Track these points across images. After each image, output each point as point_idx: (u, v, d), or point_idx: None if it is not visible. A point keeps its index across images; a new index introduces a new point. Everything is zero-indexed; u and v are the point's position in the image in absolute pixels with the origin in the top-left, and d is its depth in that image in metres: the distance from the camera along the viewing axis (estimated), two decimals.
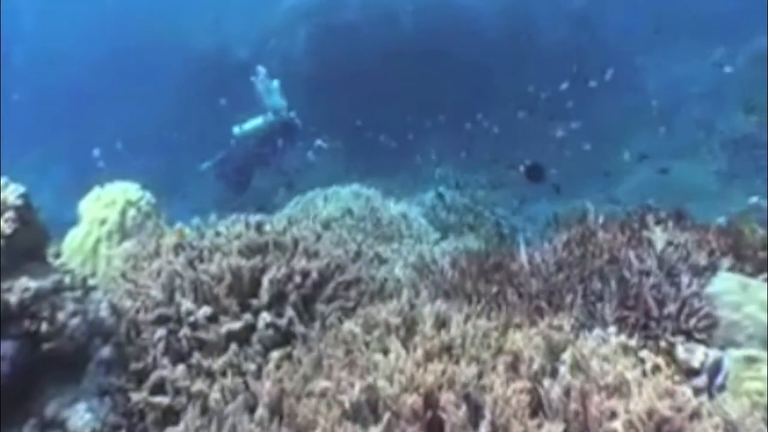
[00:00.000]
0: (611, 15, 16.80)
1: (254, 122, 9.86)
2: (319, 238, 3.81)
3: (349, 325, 2.60)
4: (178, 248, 3.39)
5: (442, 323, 2.52)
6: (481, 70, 15.30)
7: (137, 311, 2.96)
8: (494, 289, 2.93)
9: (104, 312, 2.78)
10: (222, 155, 10.16)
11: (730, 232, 3.21)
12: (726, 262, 2.97)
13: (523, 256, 3.12)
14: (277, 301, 3.06)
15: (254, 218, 3.72)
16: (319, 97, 14.36)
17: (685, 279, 2.76)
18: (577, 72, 12.48)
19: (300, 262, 3.24)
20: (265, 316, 2.95)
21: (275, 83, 10.59)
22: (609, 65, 16.07)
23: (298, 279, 3.13)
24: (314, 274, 3.21)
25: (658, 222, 3.35)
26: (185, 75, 17.22)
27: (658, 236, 2.91)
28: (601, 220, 3.15)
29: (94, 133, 14.29)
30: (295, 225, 3.95)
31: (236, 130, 9.87)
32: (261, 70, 10.85)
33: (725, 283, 2.77)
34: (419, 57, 14.89)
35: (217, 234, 3.66)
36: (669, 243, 2.90)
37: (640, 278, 2.76)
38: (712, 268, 2.95)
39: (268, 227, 3.61)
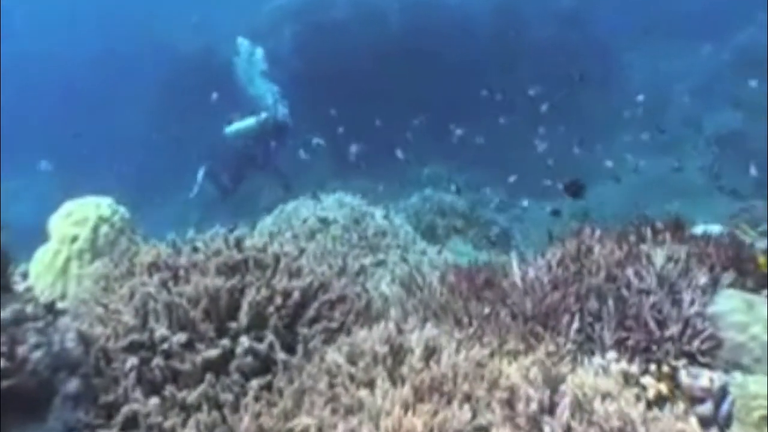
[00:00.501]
0: (600, 13, 16.65)
1: (246, 122, 9.48)
2: (302, 252, 3.62)
3: (333, 355, 2.41)
4: (152, 268, 3.19)
5: (431, 351, 2.34)
6: (470, 69, 15.11)
7: (108, 338, 2.76)
8: (486, 310, 2.75)
9: (71, 342, 2.58)
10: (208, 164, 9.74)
11: (730, 244, 3.05)
12: (728, 277, 2.81)
13: (516, 272, 2.95)
14: (256, 325, 2.87)
15: (234, 233, 3.53)
16: (306, 96, 14.16)
17: (686, 297, 2.60)
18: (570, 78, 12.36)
19: (281, 282, 3.05)
20: (244, 342, 2.75)
21: (259, 54, 10.12)
22: (598, 63, 15.98)
23: (279, 300, 2.94)
24: (296, 294, 3.02)
25: (655, 232, 3.19)
26: (171, 76, 16.95)
27: (658, 252, 2.73)
28: (597, 233, 2.97)
29: (81, 136, 13.90)
30: (276, 239, 3.77)
31: (228, 130, 9.48)
32: (242, 42, 10.31)
33: (729, 302, 2.60)
34: (407, 56, 14.71)
35: (195, 249, 3.47)
36: (669, 258, 2.73)
37: (639, 298, 2.59)
38: (714, 284, 2.79)
39: (248, 243, 3.42)
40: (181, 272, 3.20)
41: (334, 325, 3.02)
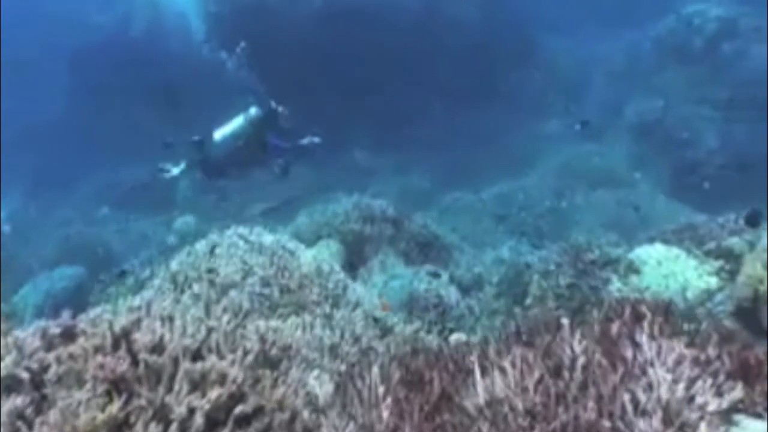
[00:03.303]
0: None
1: (235, 123, 8.12)
2: (209, 333, 2.85)
3: None
4: (8, 384, 2.36)
5: None
6: (393, 51, 14.27)
7: None
8: None
9: None
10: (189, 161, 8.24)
11: (735, 343, 2.46)
12: (736, 392, 2.21)
13: (480, 388, 2.27)
14: None
15: (122, 319, 2.71)
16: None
17: None
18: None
19: (180, 403, 2.28)
20: None
21: None
22: (520, 46, 15.47)
23: None
24: (199, 420, 2.26)
25: (639, 317, 2.58)
26: (79, 55, 15.36)
27: (659, 373, 2.10)
28: (578, 337, 2.31)
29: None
30: (178, 315, 2.97)
31: (216, 137, 8.08)
32: None
33: None
34: (333, 36, 13.74)
35: (71, 338, 2.66)
36: (673, 381, 2.11)
37: None
38: (719, 396, 2.20)
39: (138, 335, 2.62)
40: (48, 388, 2.39)
41: None
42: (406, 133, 14.15)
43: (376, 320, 3.84)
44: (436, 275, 5.91)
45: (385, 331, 3.80)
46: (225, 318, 3.23)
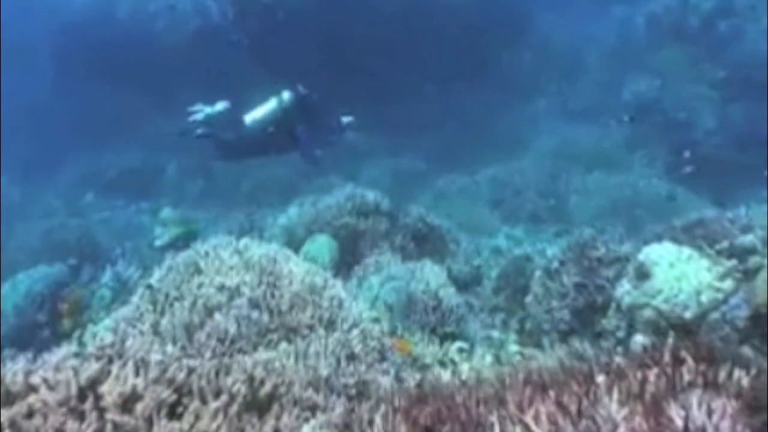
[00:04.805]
0: None
1: (267, 107, 7.68)
2: (189, 374, 2.51)
3: None
4: None
5: None
6: (386, 31, 13.75)
7: None
8: None
9: None
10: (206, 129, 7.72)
11: None
12: None
13: None
14: None
15: (90, 365, 2.35)
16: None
17: None
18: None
19: None
20: None
21: None
22: (511, 25, 14.97)
23: None
24: None
25: (678, 362, 2.24)
26: (60, 44, 14.75)
27: None
28: (616, 399, 1.96)
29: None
30: (157, 352, 2.61)
31: (247, 120, 7.63)
32: None
33: None
34: (322, 18, 13.23)
35: (32, 389, 2.30)
36: None
37: None
38: None
39: (107, 386, 2.26)
40: None
41: None
42: (399, 114, 13.70)
43: (375, 341, 3.49)
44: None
45: (386, 353, 3.46)
46: (208, 353, 2.88)
